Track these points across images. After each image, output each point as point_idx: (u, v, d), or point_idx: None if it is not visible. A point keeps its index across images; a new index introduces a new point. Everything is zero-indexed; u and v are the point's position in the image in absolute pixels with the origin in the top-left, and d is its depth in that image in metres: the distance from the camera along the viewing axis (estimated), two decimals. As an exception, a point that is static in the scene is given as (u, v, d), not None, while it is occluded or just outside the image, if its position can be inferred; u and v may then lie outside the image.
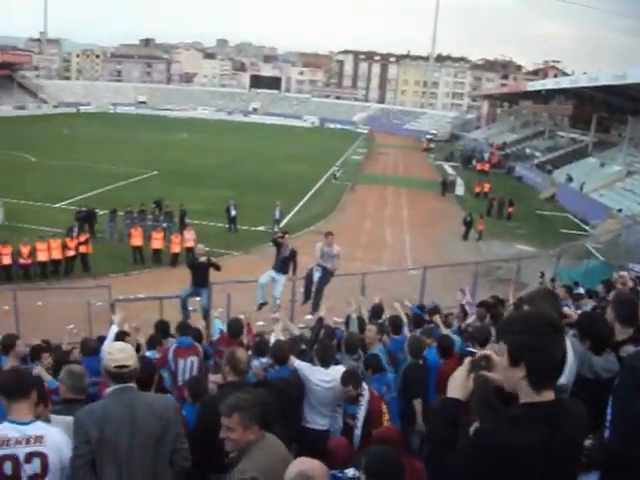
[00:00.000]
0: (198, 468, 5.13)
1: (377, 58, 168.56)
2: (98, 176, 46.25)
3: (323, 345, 7.71)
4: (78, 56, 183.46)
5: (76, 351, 11.17)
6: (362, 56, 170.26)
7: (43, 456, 4.24)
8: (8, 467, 4.17)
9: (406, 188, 53.58)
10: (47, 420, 4.78)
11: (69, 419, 4.80)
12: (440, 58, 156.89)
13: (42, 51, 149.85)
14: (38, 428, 4.33)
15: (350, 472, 4.72)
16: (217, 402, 5.49)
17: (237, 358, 5.78)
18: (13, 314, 15.87)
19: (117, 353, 4.67)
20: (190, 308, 15.00)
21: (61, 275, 25.70)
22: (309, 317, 13.33)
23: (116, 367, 4.59)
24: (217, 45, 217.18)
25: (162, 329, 10.35)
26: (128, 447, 4.46)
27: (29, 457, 4.21)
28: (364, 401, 6.71)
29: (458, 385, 3.20)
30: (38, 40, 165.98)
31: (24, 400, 4.36)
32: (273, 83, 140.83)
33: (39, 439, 4.26)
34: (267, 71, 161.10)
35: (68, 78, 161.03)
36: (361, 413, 6.69)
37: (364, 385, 6.87)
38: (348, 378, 6.74)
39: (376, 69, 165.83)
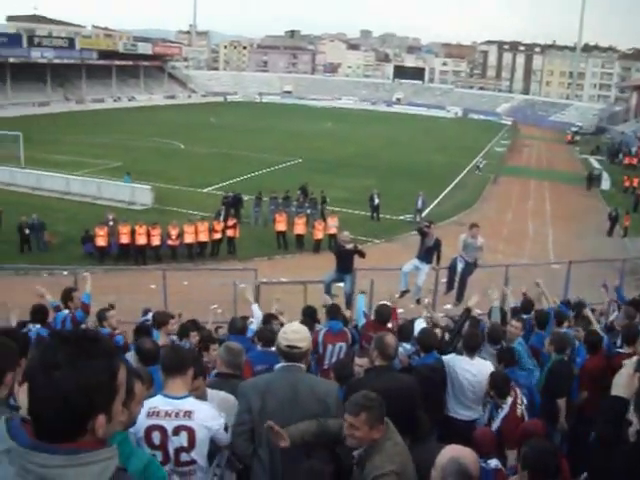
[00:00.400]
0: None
1: (521, 48, 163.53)
2: (244, 163, 47.51)
3: (470, 334, 7.59)
4: (226, 47, 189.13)
5: (220, 330, 11.50)
6: (506, 46, 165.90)
7: (190, 430, 4.36)
8: (157, 437, 4.33)
9: (549, 181, 51.74)
10: (204, 393, 4.94)
11: (223, 394, 4.93)
12: (587, 48, 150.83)
13: (191, 43, 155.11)
14: (189, 403, 4.45)
15: (493, 463, 4.74)
16: (364, 385, 5.46)
17: (386, 343, 5.70)
18: (162, 293, 16.43)
19: (291, 334, 4.77)
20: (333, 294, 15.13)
21: (206, 257, 26.57)
22: (448, 307, 13.10)
23: (287, 346, 4.70)
24: (361, 36, 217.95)
25: (310, 314, 10.40)
26: (286, 422, 4.50)
27: (177, 430, 4.35)
28: (506, 405, 6.52)
29: (624, 384, 3.03)
30: (188, 32, 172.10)
31: (180, 376, 4.49)
32: (416, 74, 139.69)
33: (188, 414, 4.38)
34: (410, 62, 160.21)
35: (216, 69, 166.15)
36: (500, 415, 6.52)
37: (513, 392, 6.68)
38: (495, 385, 6.62)
39: (520, 59, 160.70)
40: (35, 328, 7.78)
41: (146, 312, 12.06)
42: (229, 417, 4.69)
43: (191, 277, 21.12)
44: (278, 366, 4.86)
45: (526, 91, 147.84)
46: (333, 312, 9.13)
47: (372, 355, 5.92)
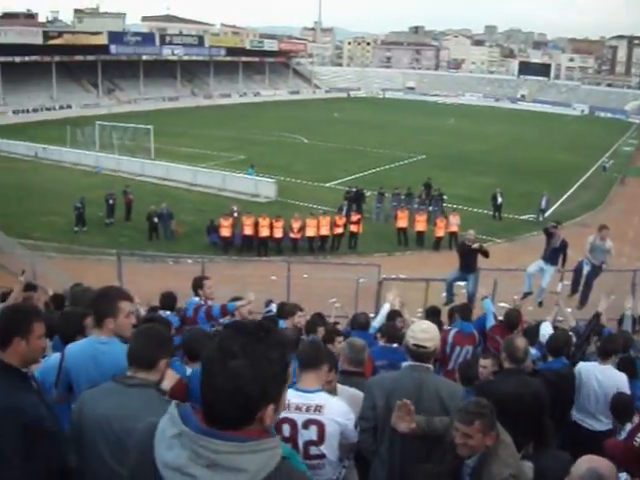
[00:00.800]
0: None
1: None
2: (366, 158, 47.58)
3: (610, 337, 7.41)
4: (350, 44, 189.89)
5: (338, 326, 11.56)
6: (637, 41, 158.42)
7: (320, 425, 4.36)
8: (286, 430, 4.35)
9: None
10: (335, 388, 4.98)
11: (353, 390, 4.95)
12: None
13: (316, 39, 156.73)
14: (320, 398, 4.45)
15: (623, 477, 4.52)
16: (492, 389, 5.39)
17: (516, 346, 5.64)
18: (284, 284, 16.68)
19: (420, 333, 4.73)
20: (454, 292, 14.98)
21: (327, 251, 26.75)
22: (570, 310, 12.65)
23: (415, 345, 4.67)
24: (485, 31, 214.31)
25: (434, 314, 10.31)
26: None
27: (307, 424, 4.36)
28: (624, 432, 6.17)
29: None
30: (313, 29, 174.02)
31: (314, 371, 4.52)
32: (542, 70, 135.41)
33: (319, 408, 4.38)
34: (536, 57, 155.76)
35: (340, 65, 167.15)
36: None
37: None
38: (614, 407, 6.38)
39: None
40: (165, 315, 8.02)
41: (268, 303, 12.26)
42: (356, 414, 4.69)
43: (312, 270, 21.26)
44: (404, 365, 4.84)
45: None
46: (465, 313, 8.96)
47: (501, 357, 5.85)
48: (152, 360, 3.74)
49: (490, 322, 8.92)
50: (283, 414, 4.31)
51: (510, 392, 4.85)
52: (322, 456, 4.43)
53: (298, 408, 4.37)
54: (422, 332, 4.73)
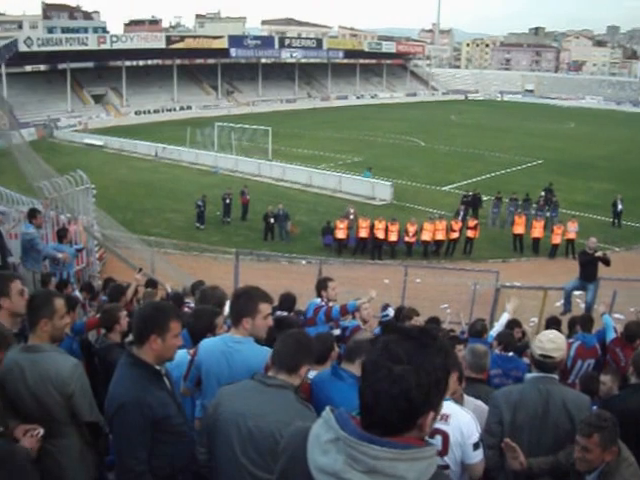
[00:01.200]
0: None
1: None
2: (483, 162, 46.81)
3: None
4: (468, 45, 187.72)
5: (452, 333, 11.44)
6: None
7: (445, 435, 4.30)
8: (438, 440, 4.28)
9: None
10: (461, 397, 4.94)
11: (479, 402, 4.91)
12: None
13: (434, 41, 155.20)
14: (447, 407, 4.35)
15: None
16: (616, 402, 5.22)
17: None
18: (400, 289, 16.66)
19: (547, 343, 4.65)
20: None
21: (441, 256, 26.48)
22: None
23: (541, 356, 4.59)
24: (607, 32, 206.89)
25: (554, 324, 10.06)
26: (536, 437, 4.44)
27: (433, 433, 4.25)
28: None
29: None
30: (431, 31, 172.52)
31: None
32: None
33: (445, 417, 4.33)
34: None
35: (458, 67, 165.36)
36: None
37: None
38: None
39: None
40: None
41: (385, 307, 12.27)
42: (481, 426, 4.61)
43: (425, 275, 21.11)
44: (529, 376, 4.75)
45: None
46: (587, 324, 8.69)
47: (628, 371, 5.64)
48: (295, 364, 3.79)
49: (611, 335, 8.59)
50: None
51: (635, 408, 4.67)
52: (446, 467, 4.33)
53: None
54: (549, 342, 4.65)
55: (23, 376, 4.11)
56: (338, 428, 2.06)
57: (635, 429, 4.35)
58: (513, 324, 9.22)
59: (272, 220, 27.79)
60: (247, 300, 4.59)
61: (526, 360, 7.60)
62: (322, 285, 8.46)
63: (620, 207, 31.03)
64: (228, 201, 29.98)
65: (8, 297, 4.62)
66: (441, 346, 2.10)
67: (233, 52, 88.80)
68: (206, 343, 4.71)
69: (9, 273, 5.17)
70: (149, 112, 76.10)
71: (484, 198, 31.93)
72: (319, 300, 8.26)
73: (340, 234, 26.42)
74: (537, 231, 27.11)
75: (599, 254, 13.72)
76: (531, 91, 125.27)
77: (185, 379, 4.76)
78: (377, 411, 2.03)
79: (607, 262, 13.79)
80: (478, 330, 8.77)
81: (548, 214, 29.63)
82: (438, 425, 4.26)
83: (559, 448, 4.46)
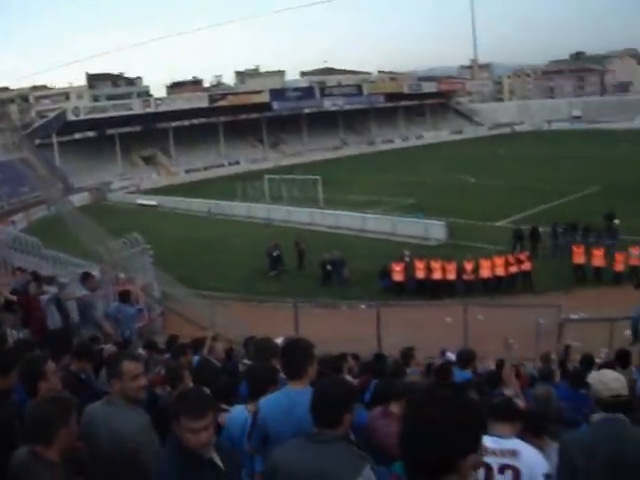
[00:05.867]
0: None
1: None
2: (536, 194, 46.15)
3: None
4: (509, 77, 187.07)
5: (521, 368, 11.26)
6: None
7: (516, 470, 4.28)
8: (481, 474, 4.25)
9: None
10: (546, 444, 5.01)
11: (555, 445, 4.83)
12: None
13: (474, 77, 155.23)
14: (515, 444, 4.43)
15: None
16: None
17: None
18: (462, 328, 16.52)
19: (613, 382, 4.59)
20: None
21: (502, 291, 26.16)
22: None
23: (612, 397, 4.51)
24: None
25: (624, 358, 9.74)
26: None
27: (502, 468, 4.30)
28: None
29: None
30: (469, 67, 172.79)
31: (510, 423, 4.59)
32: None
33: (514, 453, 4.33)
34: None
35: (501, 100, 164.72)
36: None
37: None
38: None
39: None
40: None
41: (443, 353, 12.19)
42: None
43: (486, 312, 20.89)
44: (599, 418, 4.57)
45: None
46: None
47: None
48: (337, 418, 3.73)
49: None
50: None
51: None
52: None
53: (494, 453, 4.32)
54: (615, 381, 4.58)
55: (97, 429, 4.34)
56: None
57: None
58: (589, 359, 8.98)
59: (329, 267, 27.91)
60: (302, 351, 4.72)
61: None
62: (408, 354, 8.63)
63: (684, 230, 30.20)
64: (275, 254, 30.26)
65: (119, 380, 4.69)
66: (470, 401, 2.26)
67: (275, 105, 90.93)
68: (267, 399, 4.70)
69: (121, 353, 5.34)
70: (198, 170, 78.03)
71: (540, 229, 31.45)
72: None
73: (397, 276, 26.41)
74: (598, 260, 26.57)
75: None
76: (578, 117, 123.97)
77: (249, 438, 4.72)
78: (416, 454, 2.09)
79: None
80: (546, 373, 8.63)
81: (608, 241, 29.07)
82: (508, 461, 4.31)
83: None
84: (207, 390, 5.73)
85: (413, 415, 2.12)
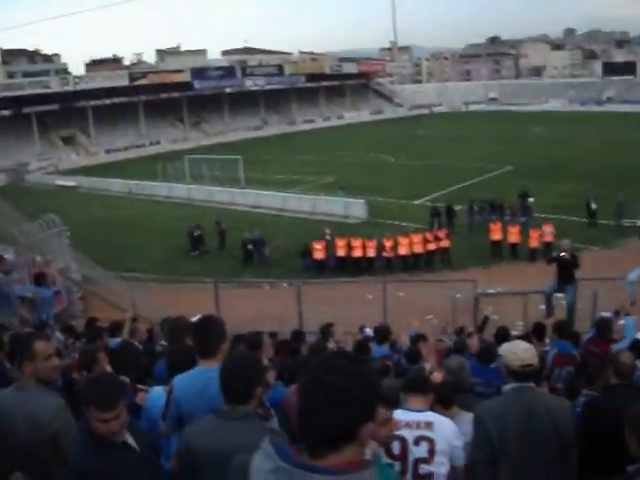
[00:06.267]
0: (583, 469, 4.87)
1: None
2: (453, 173, 47.08)
3: None
4: (428, 60, 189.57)
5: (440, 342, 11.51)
6: None
7: (431, 441, 4.43)
8: (397, 447, 4.42)
9: None
10: (456, 414, 5.09)
11: (468, 416, 4.95)
12: None
13: (394, 59, 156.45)
14: (429, 416, 4.56)
15: None
16: (598, 404, 5.30)
17: (620, 361, 5.40)
18: (382, 304, 16.72)
19: (523, 353, 4.65)
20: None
21: (421, 268, 26.62)
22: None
23: (522, 366, 4.57)
24: (564, 35, 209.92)
25: (539, 331, 10.05)
26: (521, 446, 4.44)
27: (418, 440, 4.43)
28: None
29: None
30: (389, 49, 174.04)
31: (422, 395, 4.70)
32: (627, 68, 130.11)
33: (429, 425, 4.48)
34: (620, 57, 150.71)
35: (420, 82, 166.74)
36: None
37: None
38: None
39: None
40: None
41: (362, 329, 12.37)
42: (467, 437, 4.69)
43: (406, 288, 21.23)
44: (508, 388, 4.67)
45: None
46: (563, 331, 8.37)
47: (607, 372, 5.65)
48: (247, 393, 3.70)
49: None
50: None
51: (615, 408, 4.57)
52: (431, 475, 4.42)
53: (409, 425, 4.43)
54: (524, 351, 4.65)
55: (10, 416, 4.18)
56: (277, 458, 2.10)
57: (616, 430, 4.35)
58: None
59: (250, 246, 27.88)
60: (217, 328, 4.62)
61: None
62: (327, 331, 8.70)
63: (594, 206, 31.35)
64: (196, 234, 30.02)
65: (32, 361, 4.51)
66: (366, 370, 2.20)
67: (196, 84, 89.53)
68: (181, 379, 4.59)
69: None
70: (119, 150, 76.31)
71: (457, 207, 32.26)
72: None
73: (318, 255, 26.57)
74: (513, 236, 27.42)
75: (565, 255, 13.81)
76: (494, 99, 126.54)
77: (164, 418, 4.59)
78: (316, 423, 2.07)
79: (575, 264, 13.90)
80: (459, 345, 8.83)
81: (522, 219, 29.97)
82: (423, 432, 4.43)
83: (549, 457, 4.47)
84: (123, 375, 5.71)
85: (311, 385, 2.10)
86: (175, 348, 5.58)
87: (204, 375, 4.38)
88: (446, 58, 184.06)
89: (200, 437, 3.66)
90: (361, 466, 2.09)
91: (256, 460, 2.20)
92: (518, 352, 4.63)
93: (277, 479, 2.06)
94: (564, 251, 13.99)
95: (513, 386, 4.61)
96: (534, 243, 26.75)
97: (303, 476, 2.00)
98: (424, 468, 4.41)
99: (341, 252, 26.47)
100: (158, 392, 5.04)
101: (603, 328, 8.47)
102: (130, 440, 3.89)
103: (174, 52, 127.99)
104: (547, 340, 9.76)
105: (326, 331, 9.23)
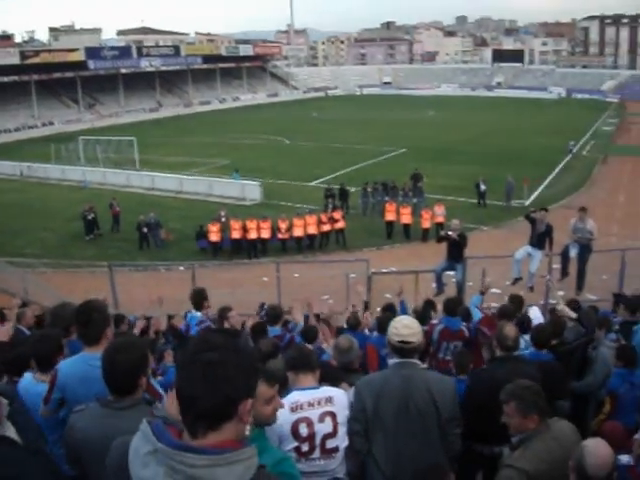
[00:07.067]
0: (466, 438, 5.05)
1: (625, 21, 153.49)
2: (348, 155, 47.77)
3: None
4: (324, 43, 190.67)
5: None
6: (608, 20, 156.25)
7: (333, 415, 4.45)
8: (304, 429, 4.38)
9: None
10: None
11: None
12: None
13: (290, 42, 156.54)
14: (327, 390, 4.55)
15: (624, 458, 4.48)
16: (485, 375, 5.62)
17: (504, 334, 5.65)
18: (276, 285, 16.86)
19: (402, 329, 4.67)
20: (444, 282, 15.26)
21: (316, 249, 26.94)
22: (561, 293, 12.76)
23: (399, 342, 4.63)
24: (456, 22, 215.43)
25: (428, 307, 10.36)
26: (397, 420, 4.55)
27: (322, 417, 4.42)
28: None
29: None
30: (286, 32, 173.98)
31: (311, 372, 4.59)
32: (516, 56, 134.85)
33: (330, 399, 4.48)
34: (509, 44, 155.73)
35: (316, 65, 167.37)
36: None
37: None
38: None
39: (624, 33, 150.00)
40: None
41: (262, 306, 12.50)
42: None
43: (302, 269, 21.48)
44: (391, 362, 4.78)
45: (633, 66, 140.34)
46: (451, 307, 8.40)
47: (492, 345, 5.91)
48: (130, 385, 3.59)
49: (477, 316, 8.50)
50: (298, 415, 4.38)
51: (502, 379, 4.75)
52: (337, 448, 4.49)
53: (311, 405, 4.41)
54: (405, 328, 4.67)
55: None
56: (155, 440, 2.09)
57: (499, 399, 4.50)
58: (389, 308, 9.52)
59: (145, 229, 27.49)
60: (99, 313, 4.49)
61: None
62: (198, 301, 8.79)
63: (483, 188, 32.51)
64: (90, 217, 29.32)
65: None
66: (245, 346, 2.26)
67: (91, 64, 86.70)
68: (66, 364, 4.47)
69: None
70: (9, 131, 73.04)
71: (352, 189, 32.76)
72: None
73: (213, 237, 26.47)
74: (405, 217, 28.03)
75: (452, 235, 14.31)
76: (389, 83, 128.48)
77: (46, 403, 4.43)
78: (196, 400, 2.08)
79: (462, 243, 14.39)
80: (351, 324, 9.02)
81: (415, 200, 30.72)
82: (325, 408, 4.43)
83: (426, 432, 4.57)
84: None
85: (188, 361, 2.10)
86: (41, 337, 5.25)
87: (87, 362, 4.26)
88: (342, 42, 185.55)
89: (87, 427, 3.53)
90: (241, 444, 2.12)
91: (134, 442, 2.19)
92: (399, 327, 4.69)
93: (156, 461, 2.05)
94: (453, 230, 14.49)
95: (395, 361, 4.71)
96: (426, 224, 27.42)
97: (181, 457, 2.00)
98: (331, 443, 4.43)
99: (236, 234, 26.42)
100: (27, 379, 4.92)
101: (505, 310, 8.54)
102: (11, 432, 3.52)
103: (68, 30, 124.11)
104: (433, 314, 10.18)
105: (222, 314, 9.26)
